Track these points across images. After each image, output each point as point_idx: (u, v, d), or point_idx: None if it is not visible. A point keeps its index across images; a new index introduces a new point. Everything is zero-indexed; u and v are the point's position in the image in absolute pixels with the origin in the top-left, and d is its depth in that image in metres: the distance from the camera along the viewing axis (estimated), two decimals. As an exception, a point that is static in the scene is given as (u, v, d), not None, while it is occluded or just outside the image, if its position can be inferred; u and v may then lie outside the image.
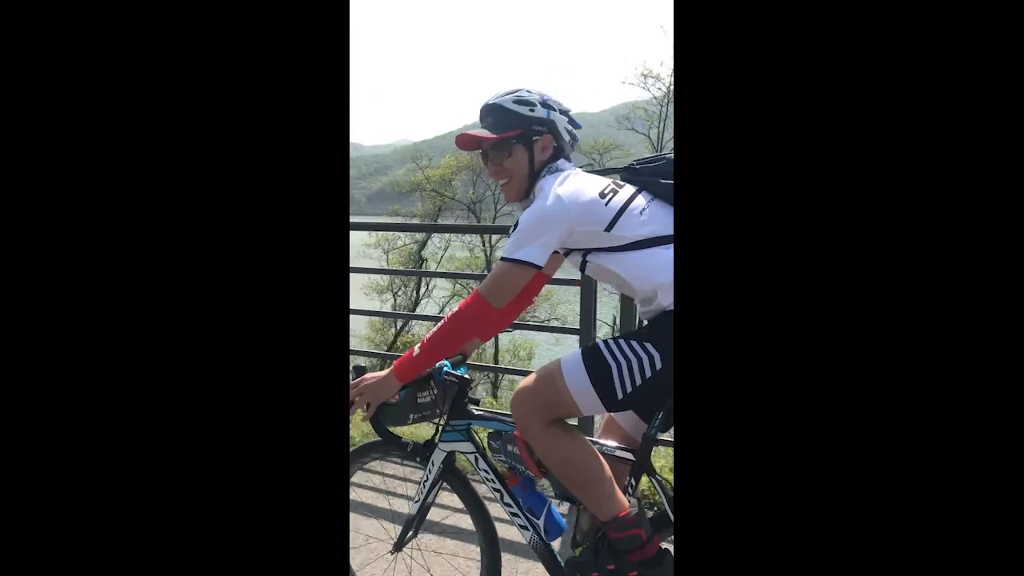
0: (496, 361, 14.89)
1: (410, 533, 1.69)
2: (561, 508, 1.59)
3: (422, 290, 19.36)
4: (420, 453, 1.64)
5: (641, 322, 1.49)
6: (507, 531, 1.74)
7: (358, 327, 16.25)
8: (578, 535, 1.50)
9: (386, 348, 13.47)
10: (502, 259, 1.40)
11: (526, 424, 1.41)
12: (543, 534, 1.51)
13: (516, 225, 1.41)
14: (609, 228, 1.40)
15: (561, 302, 17.53)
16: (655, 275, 1.36)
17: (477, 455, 1.57)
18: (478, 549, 1.68)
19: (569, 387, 1.35)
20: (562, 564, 1.51)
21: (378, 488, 2.65)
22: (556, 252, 1.46)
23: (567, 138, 1.53)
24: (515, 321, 1.96)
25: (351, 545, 1.91)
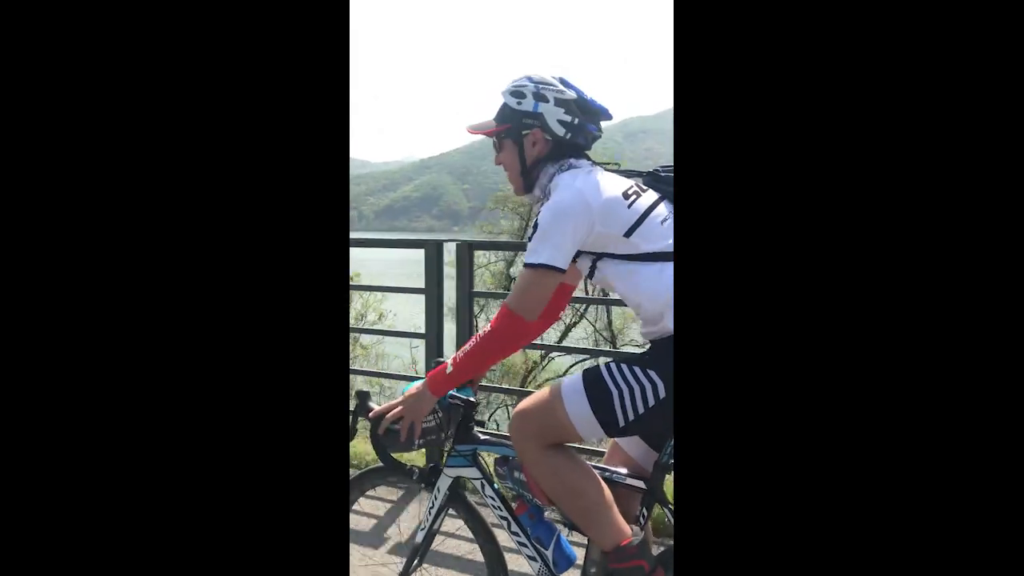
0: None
1: (416, 561, 1.64)
2: (571, 537, 1.53)
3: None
4: (425, 479, 1.59)
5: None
6: (517, 562, 1.68)
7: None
8: (591, 567, 1.44)
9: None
10: (524, 265, 1.32)
11: (523, 448, 1.36)
12: (552, 566, 1.46)
13: (535, 227, 1.33)
14: (628, 234, 1.32)
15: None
16: (665, 294, 1.28)
17: (484, 481, 1.52)
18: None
19: (569, 412, 1.30)
20: None
21: (382, 515, 2.60)
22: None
23: (561, 132, 1.39)
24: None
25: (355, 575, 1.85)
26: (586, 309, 12.90)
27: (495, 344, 1.35)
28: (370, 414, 1.49)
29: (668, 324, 1.29)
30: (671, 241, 1.31)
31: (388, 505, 2.63)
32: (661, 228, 1.34)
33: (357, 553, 2.23)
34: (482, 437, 1.53)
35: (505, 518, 1.50)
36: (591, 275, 1.41)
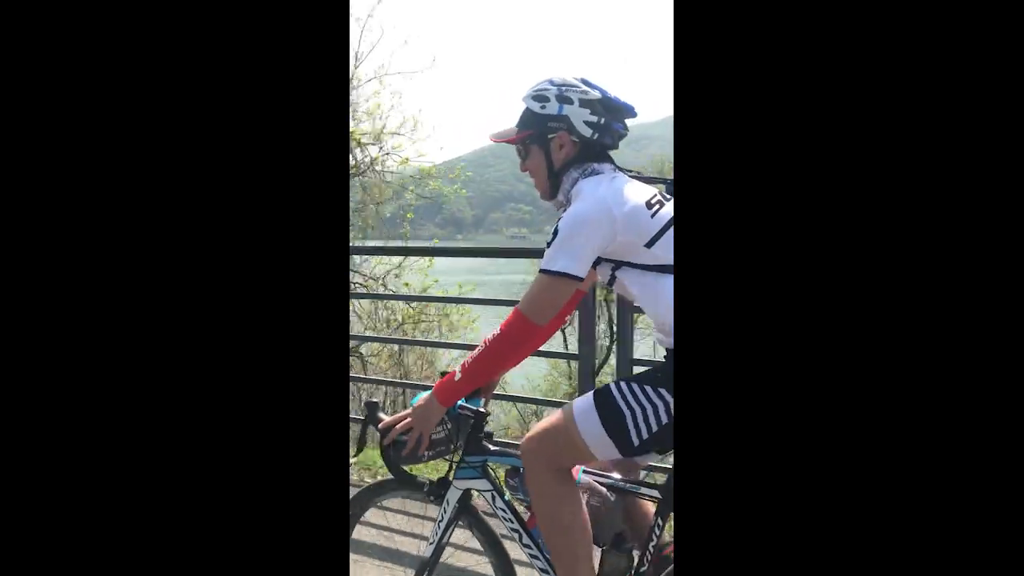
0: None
1: (425, 574, 1.61)
2: None
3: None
4: (435, 492, 1.57)
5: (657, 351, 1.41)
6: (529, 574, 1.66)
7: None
8: None
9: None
10: (540, 271, 1.30)
11: (533, 471, 1.34)
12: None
13: (555, 232, 1.31)
14: (650, 244, 1.30)
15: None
16: None
17: (494, 493, 1.50)
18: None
19: (582, 435, 1.29)
20: None
21: (391, 528, 2.57)
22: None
23: (588, 132, 1.37)
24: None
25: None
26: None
27: (504, 348, 1.33)
28: (380, 425, 1.47)
29: None
30: None
31: (395, 516, 2.61)
32: None
33: (367, 565, 2.21)
34: (492, 448, 1.51)
35: (516, 530, 1.47)
36: (610, 283, 1.39)
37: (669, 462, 1.45)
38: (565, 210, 1.35)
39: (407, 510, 2.58)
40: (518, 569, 1.57)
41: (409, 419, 1.41)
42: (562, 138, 1.39)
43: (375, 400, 1.57)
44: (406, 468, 1.54)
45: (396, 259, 8.01)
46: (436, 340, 7.94)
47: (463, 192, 9.64)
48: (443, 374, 1.42)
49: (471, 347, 1.55)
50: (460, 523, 1.58)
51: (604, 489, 1.42)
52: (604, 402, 1.29)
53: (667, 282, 1.29)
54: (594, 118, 1.37)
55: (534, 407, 9.83)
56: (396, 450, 1.46)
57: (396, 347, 8.63)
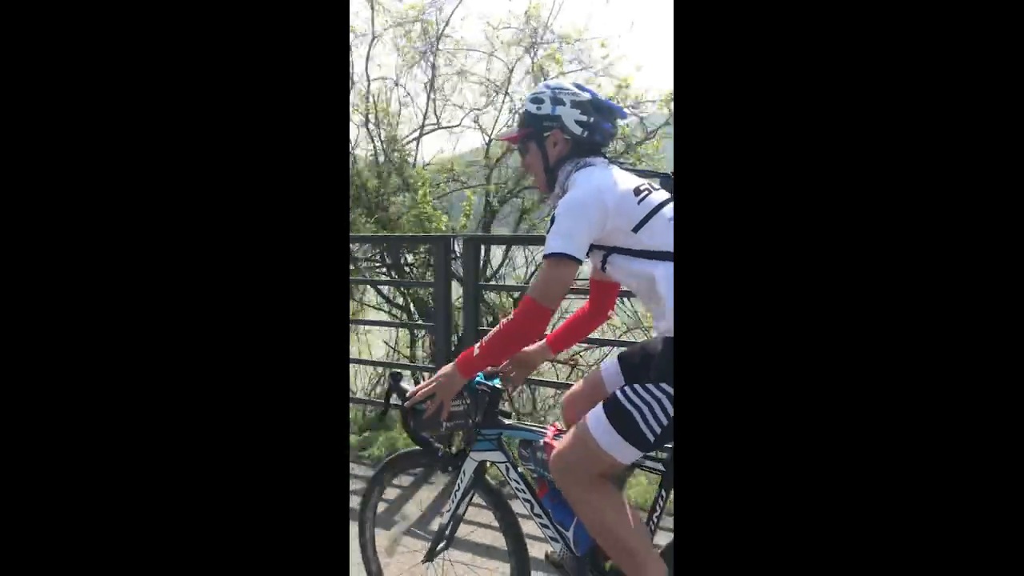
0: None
1: (441, 544, 1.70)
2: None
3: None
4: (452, 462, 1.66)
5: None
6: (540, 548, 1.74)
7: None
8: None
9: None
10: (543, 257, 1.39)
11: (567, 489, 1.42)
12: (572, 545, 1.51)
13: (552, 220, 1.40)
14: (636, 229, 1.39)
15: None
16: (670, 294, 1.35)
17: (508, 464, 1.58)
18: (508, 564, 1.68)
19: (601, 444, 1.36)
20: (589, 573, 1.50)
21: (411, 498, 2.67)
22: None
23: (578, 131, 1.49)
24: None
25: (384, 557, 1.93)
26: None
27: (517, 331, 1.41)
28: (405, 395, 1.56)
29: (672, 325, 1.33)
30: None
31: (415, 489, 2.71)
32: (668, 225, 1.40)
33: (386, 534, 2.30)
34: (506, 423, 1.60)
35: (529, 501, 1.56)
36: (603, 267, 1.47)
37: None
38: (560, 199, 1.44)
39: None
40: (529, 543, 1.66)
41: (431, 387, 1.50)
42: (556, 136, 1.50)
43: (398, 371, 1.66)
44: (427, 436, 1.62)
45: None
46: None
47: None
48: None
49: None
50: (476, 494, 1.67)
51: None
52: (613, 409, 1.37)
53: (656, 270, 1.38)
54: (584, 117, 1.49)
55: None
56: (416, 417, 1.55)
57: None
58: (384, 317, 5.35)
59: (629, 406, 1.34)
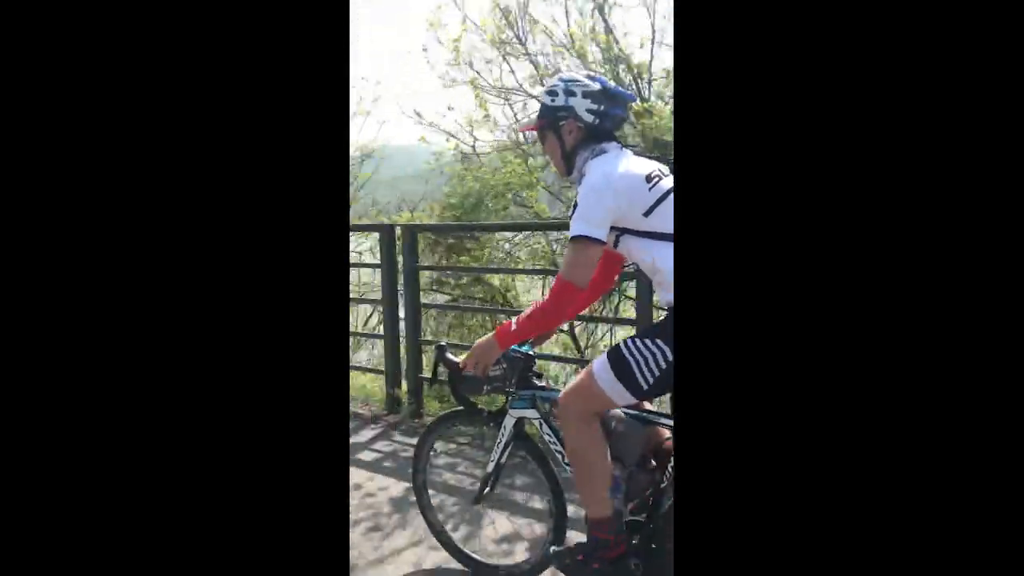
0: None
1: (487, 489, 1.96)
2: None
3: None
4: (494, 419, 1.90)
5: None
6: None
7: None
8: (628, 496, 1.71)
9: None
10: (569, 239, 1.57)
11: (566, 421, 1.65)
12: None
13: (575, 206, 1.55)
14: (647, 213, 1.53)
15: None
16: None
17: (541, 420, 1.81)
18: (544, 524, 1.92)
19: (600, 385, 1.56)
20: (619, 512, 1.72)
21: (458, 453, 2.97)
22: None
23: (590, 119, 1.62)
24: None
25: (435, 502, 2.21)
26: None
27: (550, 307, 1.59)
28: (448, 364, 1.79)
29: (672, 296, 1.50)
30: None
31: (460, 447, 3.00)
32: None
33: (438, 480, 2.60)
34: (539, 384, 1.82)
35: (559, 451, 1.78)
36: (615, 246, 1.63)
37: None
38: (579, 185, 1.61)
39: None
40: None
41: (472, 354, 1.72)
42: (570, 125, 1.64)
43: (443, 343, 1.91)
44: (471, 399, 1.87)
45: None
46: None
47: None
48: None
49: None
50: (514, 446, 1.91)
51: (631, 419, 1.70)
52: (615, 356, 1.56)
53: (662, 250, 1.53)
54: (595, 106, 1.62)
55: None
56: (464, 383, 1.80)
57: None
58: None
59: (628, 355, 1.53)
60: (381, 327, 4.00)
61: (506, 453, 1.91)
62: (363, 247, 5.91)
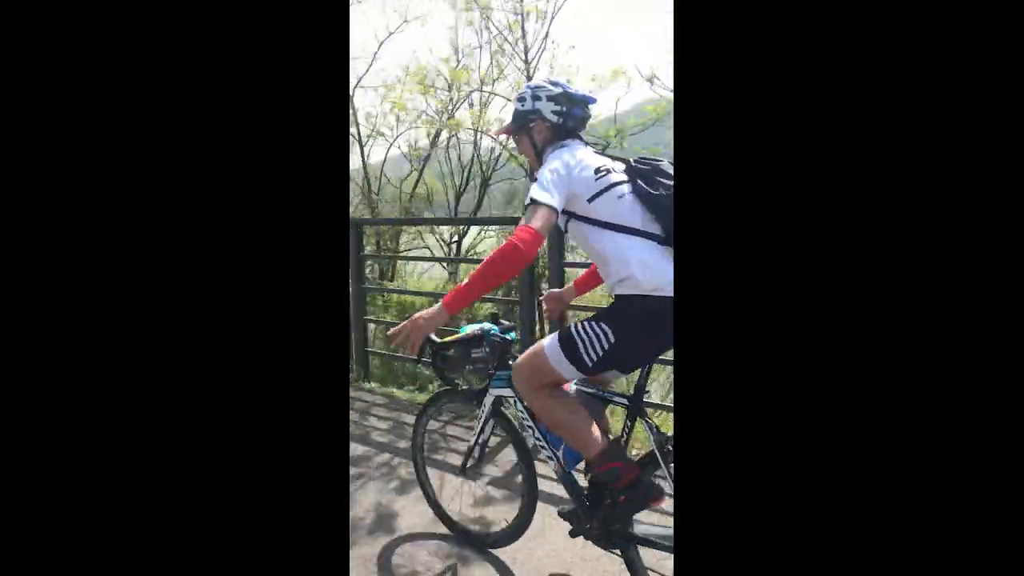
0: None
1: (470, 462, 2.21)
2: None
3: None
4: (476, 397, 2.14)
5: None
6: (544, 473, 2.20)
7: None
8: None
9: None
10: (524, 206, 1.70)
11: (522, 390, 1.84)
12: (562, 462, 1.97)
13: (534, 180, 1.72)
14: (591, 200, 1.70)
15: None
16: (615, 261, 1.68)
17: (515, 398, 2.04)
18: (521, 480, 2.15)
19: (549, 360, 1.75)
20: (579, 484, 1.94)
21: (445, 431, 3.21)
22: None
23: (555, 119, 1.85)
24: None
25: (432, 479, 2.45)
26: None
27: (493, 267, 1.62)
28: (389, 332, 1.80)
29: (615, 288, 1.70)
30: (625, 217, 1.71)
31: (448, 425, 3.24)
32: (618, 202, 1.72)
33: (435, 454, 2.85)
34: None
35: (530, 426, 2.01)
36: (566, 229, 1.82)
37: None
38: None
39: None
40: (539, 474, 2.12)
41: (411, 323, 1.71)
42: (539, 126, 1.88)
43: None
44: (455, 380, 2.11)
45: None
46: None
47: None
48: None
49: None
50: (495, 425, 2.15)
51: (588, 398, 1.92)
52: (563, 335, 1.74)
53: (605, 236, 1.71)
54: (559, 107, 1.86)
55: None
56: (446, 363, 2.03)
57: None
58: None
59: (575, 335, 1.73)
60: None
61: (487, 428, 2.16)
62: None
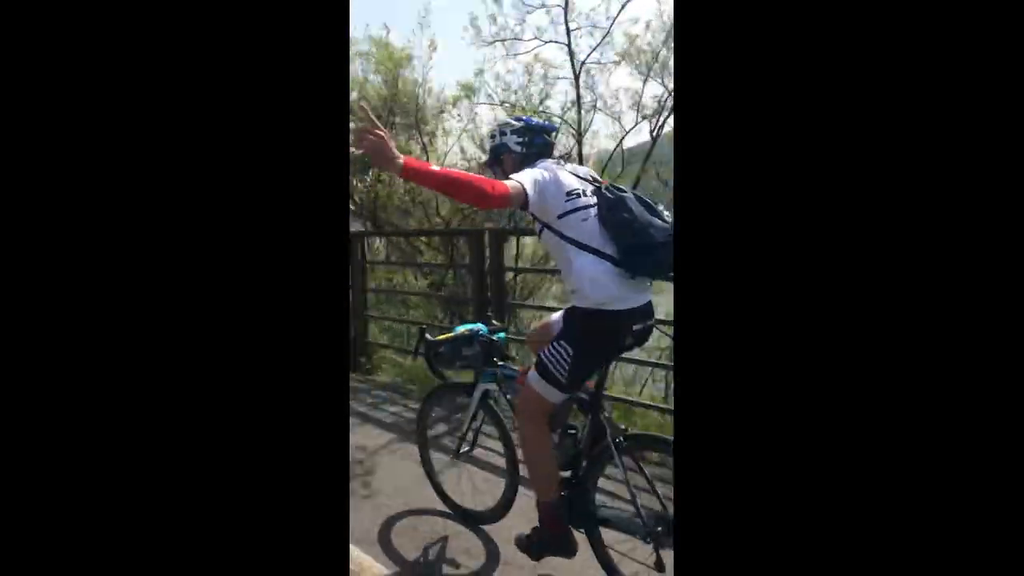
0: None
1: (463, 448, 2.52)
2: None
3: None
4: (468, 390, 2.46)
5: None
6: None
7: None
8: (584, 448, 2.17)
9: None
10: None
11: (520, 422, 2.07)
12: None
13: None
14: (560, 217, 1.90)
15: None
16: (573, 277, 1.91)
17: (500, 393, 2.37)
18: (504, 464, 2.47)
19: (536, 388, 1.99)
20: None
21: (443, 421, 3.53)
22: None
23: (520, 149, 2.08)
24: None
25: (436, 467, 2.77)
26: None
27: (462, 182, 1.74)
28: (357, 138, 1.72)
29: (573, 300, 1.95)
30: (586, 238, 1.91)
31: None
32: (582, 224, 1.91)
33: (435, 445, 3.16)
34: (501, 364, 2.38)
35: (510, 417, 2.33)
36: (540, 234, 2.01)
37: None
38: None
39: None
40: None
41: (373, 137, 1.71)
42: (507, 157, 2.11)
43: (425, 326, 2.46)
44: (445, 373, 2.42)
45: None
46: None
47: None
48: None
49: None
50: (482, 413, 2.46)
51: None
52: (539, 362, 1.97)
53: (569, 254, 1.91)
54: (522, 138, 2.10)
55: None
56: (438, 358, 2.34)
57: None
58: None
59: (545, 359, 1.97)
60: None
61: (476, 418, 2.48)
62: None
